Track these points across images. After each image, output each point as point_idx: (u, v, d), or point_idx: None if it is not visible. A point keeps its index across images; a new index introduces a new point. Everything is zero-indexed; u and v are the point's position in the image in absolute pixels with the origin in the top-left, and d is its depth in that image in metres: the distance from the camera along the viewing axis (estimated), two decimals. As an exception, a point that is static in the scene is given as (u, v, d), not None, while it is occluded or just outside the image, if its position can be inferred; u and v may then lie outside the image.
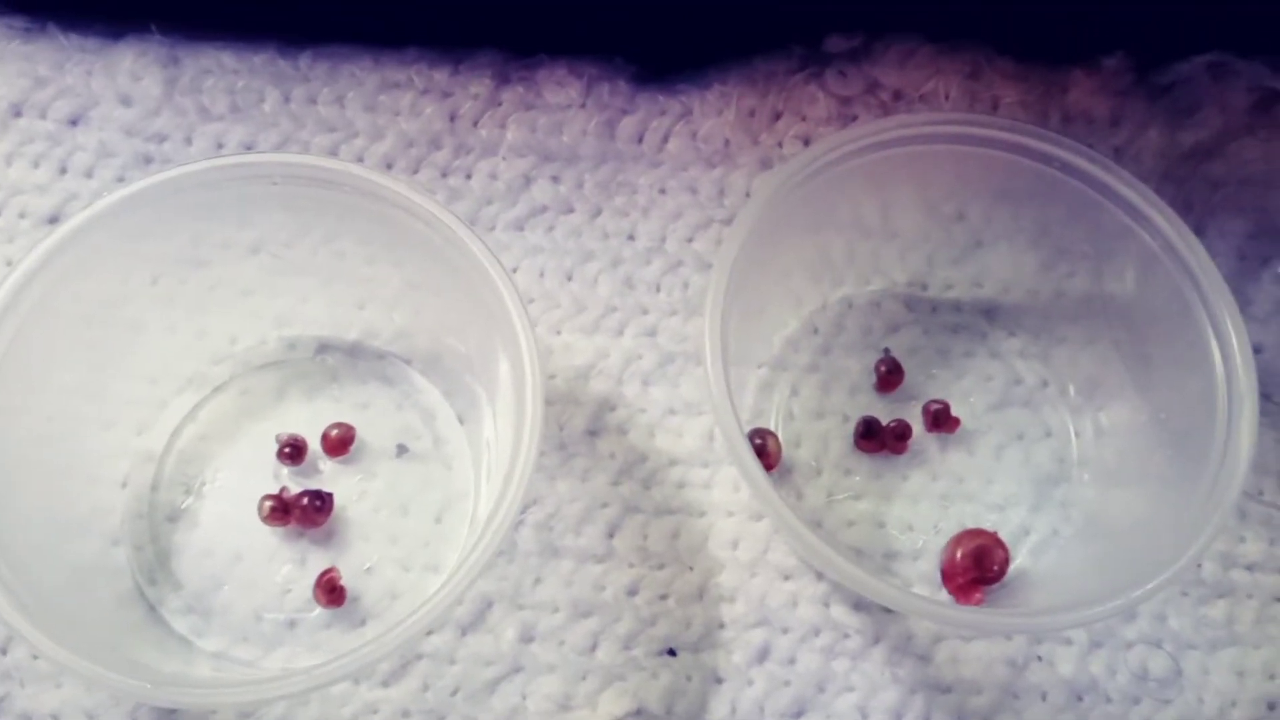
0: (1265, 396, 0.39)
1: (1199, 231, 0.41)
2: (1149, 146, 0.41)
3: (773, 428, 0.38)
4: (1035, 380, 0.39)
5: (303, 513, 0.35)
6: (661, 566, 0.36)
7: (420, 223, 0.33)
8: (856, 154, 0.35)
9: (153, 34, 0.40)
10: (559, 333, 0.39)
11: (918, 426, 0.38)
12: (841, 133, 0.35)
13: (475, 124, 0.40)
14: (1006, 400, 0.38)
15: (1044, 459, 0.38)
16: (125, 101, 0.40)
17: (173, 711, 0.34)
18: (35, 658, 0.34)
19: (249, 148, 0.40)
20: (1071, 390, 0.38)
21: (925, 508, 0.37)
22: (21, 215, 0.38)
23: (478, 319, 0.33)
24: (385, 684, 0.35)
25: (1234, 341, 0.33)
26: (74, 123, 0.39)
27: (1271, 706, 0.36)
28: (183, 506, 0.36)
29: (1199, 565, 0.37)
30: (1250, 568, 0.37)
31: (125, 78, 0.40)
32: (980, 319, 0.40)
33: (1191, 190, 0.41)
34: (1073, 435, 0.38)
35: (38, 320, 0.32)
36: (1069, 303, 0.38)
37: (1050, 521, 0.37)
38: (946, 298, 0.40)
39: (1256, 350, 0.40)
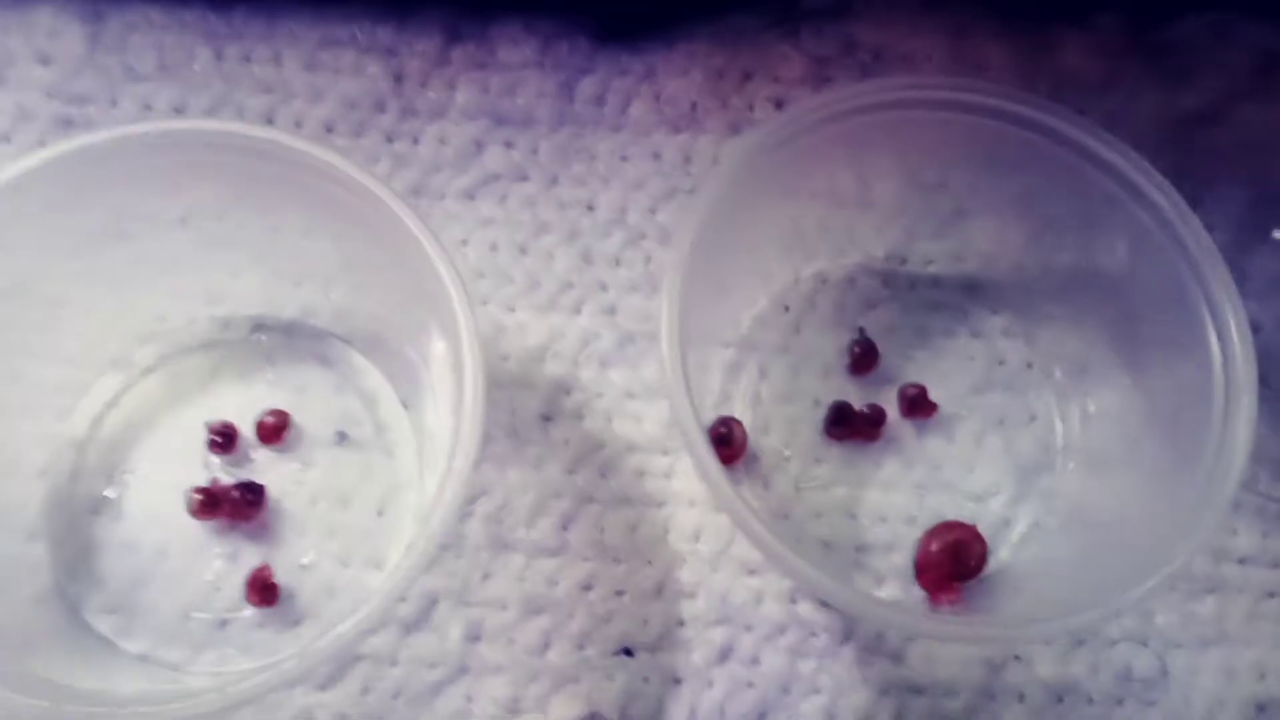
0: (1262, 381, 0.37)
1: (1196, 201, 0.38)
2: (1144, 111, 0.39)
3: (739, 413, 0.35)
4: (1019, 362, 0.37)
5: (233, 505, 0.33)
6: (618, 561, 0.34)
7: (353, 195, 0.31)
8: (832, 119, 0.33)
9: (74, -14, 0.38)
10: (512, 310, 0.36)
11: (893, 411, 0.36)
12: (816, 97, 0.33)
13: (423, 85, 0.38)
14: (988, 383, 0.36)
15: (1027, 446, 0.36)
16: (44, 60, 0.37)
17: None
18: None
19: (178, 110, 0.38)
20: (1058, 373, 0.36)
21: (900, 498, 0.35)
22: (-68, 183, 0.36)
23: (417, 297, 0.31)
24: (323, 688, 0.33)
25: (1232, 326, 0.31)
26: (-11, 83, 0.37)
27: (1262, 708, 0.34)
28: (106, 498, 0.34)
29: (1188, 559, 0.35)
30: (1242, 561, 0.35)
31: (44, 35, 0.38)
32: (961, 296, 0.37)
33: (1188, 157, 0.38)
34: (1058, 421, 0.36)
35: (-54, 297, 0.30)
36: (1056, 278, 0.36)
37: (1033, 513, 0.35)
38: (926, 273, 0.37)
39: (1254, 329, 0.38)
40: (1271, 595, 0.35)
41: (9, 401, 0.34)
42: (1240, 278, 0.38)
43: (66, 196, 0.32)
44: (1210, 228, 0.38)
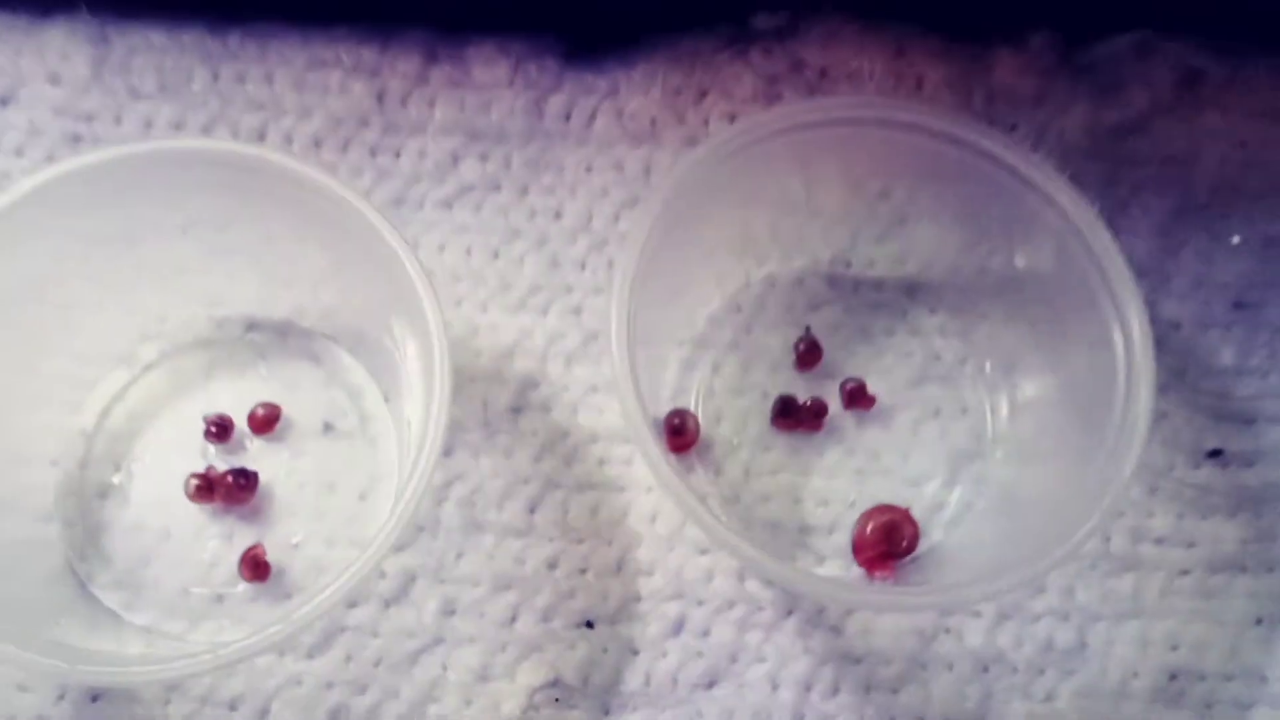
0: (1179, 374, 0.40)
1: (1123, 206, 0.41)
2: (1073, 124, 0.41)
3: (694, 405, 0.38)
4: (954, 357, 0.39)
5: (228, 490, 0.36)
6: (581, 541, 0.37)
7: (335, 206, 0.33)
8: (781, 133, 0.35)
9: (81, 12, 0.40)
10: (485, 310, 0.39)
11: (835, 403, 0.38)
12: (766, 113, 0.35)
13: (403, 102, 0.40)
14: (925, 377, 0.39)
15: (960, 435, 0.39)
16: (54, 80, 0.40)
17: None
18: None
19: (178, 127, 0.40)
20: (988, 367, 0.39)
21: (841, 483, 0.38)
22: (-48, 195, 0.39)
23: (395, 299, 0.34)
24: (310, 656, 0.36)
25: (1134, 324, 0.33)
26: (3, 102, 0.40)
27: (1173, 676, 0.37)
28: (112, 483, 0.37)
29: (1108, 539, 0.38)
30: (1159, 542, 0.38)
31: (54, 56, 0.40)
32: (902, 296, 0.40)
33: (1115, 167, 0.41)
34: (988, 412, 0.39)
35: (-34, 300, 0.33)
36: (990, 280, 0.39)
37: (964, 496, 0.38)
38: (869, 275, 0.40)
39: (1175, 326, 0.41)
40: (1185, 573, 0.38)
41: (24, 395, 0.36)
42: (1163, 279, 0.41)
43: (78, 207, 0.34)
44: (1135, 232, 0.41)
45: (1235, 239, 0.41)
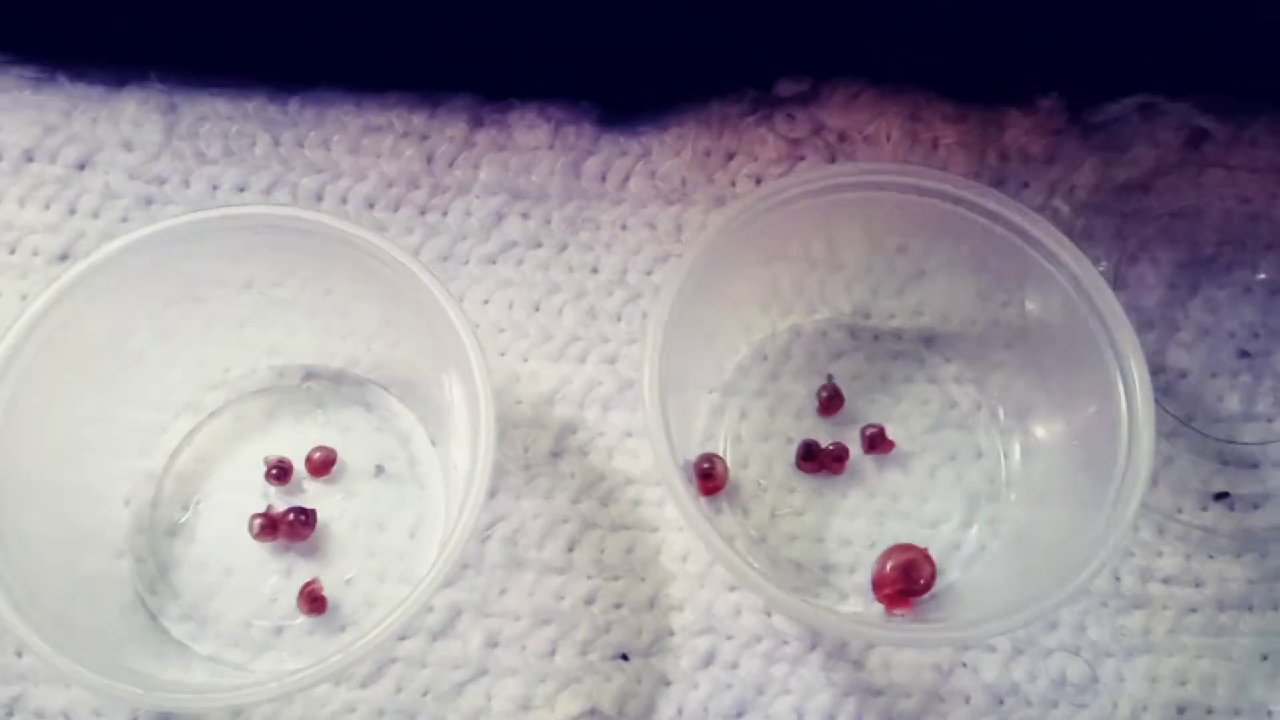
0: (1187, 420, 0.42)
1: (1131, 261, 0.43)
2: (1083, 182, 0.43)
3: (722, 450, 0.41)
4: (969, 404, 0.41)
5: (289, 527, 0.38)
6: (617, 578, 0.39)
7: (385, 264, 0.36)
8: (805, 195, 0.38)
9: (153, 82, 0.43)
10: (526, 360, 0.41)
11: (856, 448, 0.40)
12: (790, 176, 0.38)
13: (451, 164, 0.43)
14: (941, 423, 0.41)
15: (975, 478, 0.40)
16: (128, 147, 0.43)
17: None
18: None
19: (242, 189, 0.43)
20: (1002, 414, 0.41)
21: (862, 524, 0.40)
22: (35, 253, 0.42)
23: (442, 351, 0.36)
24: (363, 685, 0.38)
25: (1135, 375, 0.35)
26: (81, 167, 0.42)
27: (1181, 710, 0.38)
28: (180, 522, 0.39)
29: (1118, 578, 0.39)
30: (1167, 581, 0.40)
31: (128, 124, 0.43)
32: (920, 346, 0.42)
33: (1124, 223, 0.43)
34: (1002, 456, 0.41)
35: (50, 353, 0.35)
36: (1003, 331, 0.41)
37: (979, 537, 0.40)
38: (888, 326, 0.42)
39: (1181, 375, 0.42)
40: (1193, 610, 0.39)
41: (101, 440, 0.39)
42: (1171, 329, 0.43)
43: (148, 268, 0.37)
44: (1144, 283, 0.43)
45: (1260, 275, 0.43)
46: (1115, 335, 0.36)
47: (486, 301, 0.42)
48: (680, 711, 0.38)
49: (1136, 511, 0.34)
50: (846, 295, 0.42)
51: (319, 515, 0.39)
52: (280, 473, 0.39)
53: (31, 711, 0.37)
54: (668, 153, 0.43)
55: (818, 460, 0.40)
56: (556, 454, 0.40)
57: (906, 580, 0.38)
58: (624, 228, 0.43)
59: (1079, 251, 0.36)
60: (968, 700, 0.38)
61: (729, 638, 0.38)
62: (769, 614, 0.39)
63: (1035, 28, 0.41)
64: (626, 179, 0.43)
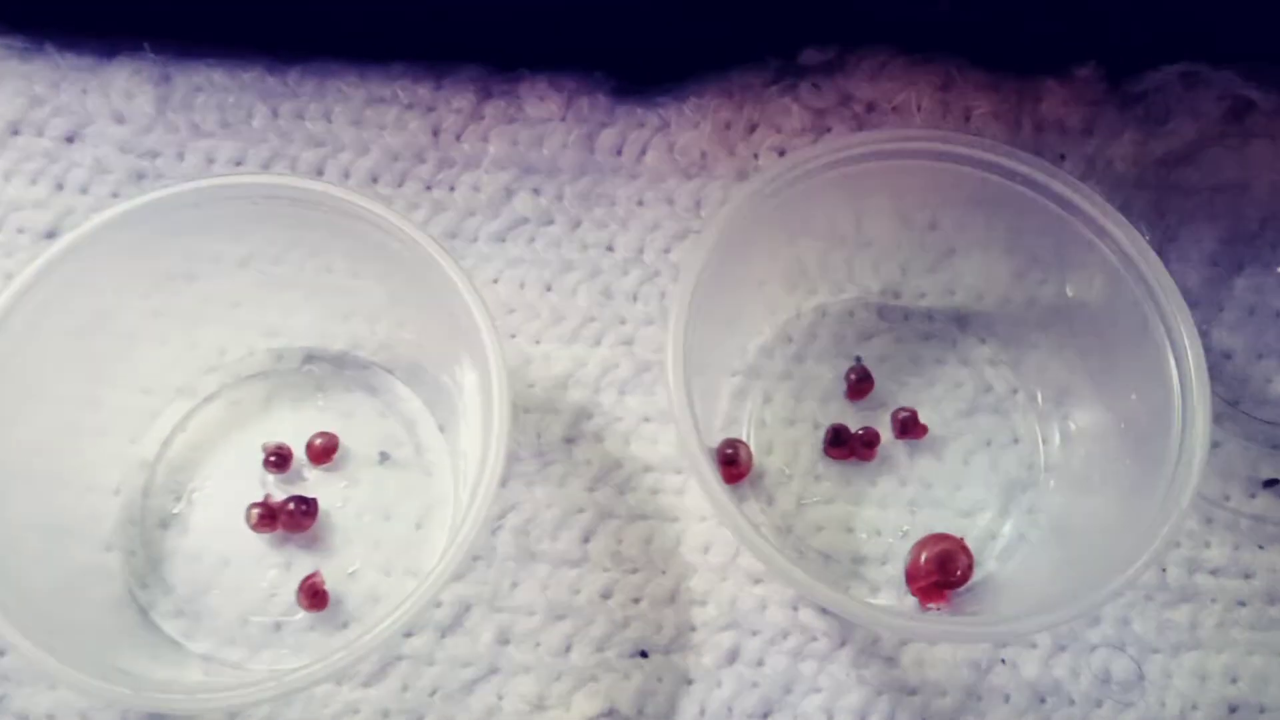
0: (1233, 403, 0.40)
1: (1172, 238, 0.41)
2: (1122, 154, 0.41)
3: (745, 435, 0.39)
4: (1005, 387, 0.39)
5: (289, 518, 0.37)
6: (635, 571, 0.37)
7: (394, 239, 0.34)
8: (831, 166, 0.36)
9: (145, 52, 0.41)
10: (538, 342, 0.40)
11: (887, 433, 0.39)
12: (815, 146, 0.36)
13: (458, 138, 0.41)
14: (976, 407, 0.39)
15: (1012, 465, 0.39)
16: (119, 119, 0.41)
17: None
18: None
19: (239, 163, 0.41)
20: (1040, 397, 0.39)
21: (893, 513, 0.38)
22: (20, 230, 0.40)
23: (452, 331, 0.34)
24: (366, 684, 0.36)
25: (1189, 356, 0.33)
26: (70, 140, 0.41)
27: (1233, 709, 0.37)
28: (173, 513, 0.37)
29: (1163, 570, 0.38)
30: (1214, 572, 0.38)
31: (119, 95, 0.41)
32: (952, 326, 0.40)
33: (1164, 197, 0.41)
34: (1040, 442, 0.39)
35: (34, 332, 0.34)
36: (1039, 311, 0.39)
37: (1017, 526, 0.38)
38: (919, 306, 0.40)
39: (1226, 356, 0.41)
40: (1242, 604, 0.38)
41: (88, 425, 0.37)
42: (1215, 309, 0.41)
43: (139, 243, 0.35)
44: (1186, 261, 0.41)
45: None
46: (1166, 312, 0.34)
47: (496, 281, 0.40)
48: (703, 711, 0.36)
49: (1191, 500, 0.32)
50: (875, 273, 0.40)
51: (320, 505, 0.37)
52: (279, 460, 0.37)
53: (14, 714, 0.35)
54: (686, 124, 0.41)
55: (847, 446, 0.38)
56: (571, 440, 0.38)
57: (942, 572, 0.36)
58: (640, 203, 0.41)
59: (1126, 222, 0.34)
60: (1007, 699, 0.36)
61: (754, 633, 0.37)
62: (796, 608, 0.37)
63: (1072, -8, 0.39)
64: (643, 152, 0.41)
